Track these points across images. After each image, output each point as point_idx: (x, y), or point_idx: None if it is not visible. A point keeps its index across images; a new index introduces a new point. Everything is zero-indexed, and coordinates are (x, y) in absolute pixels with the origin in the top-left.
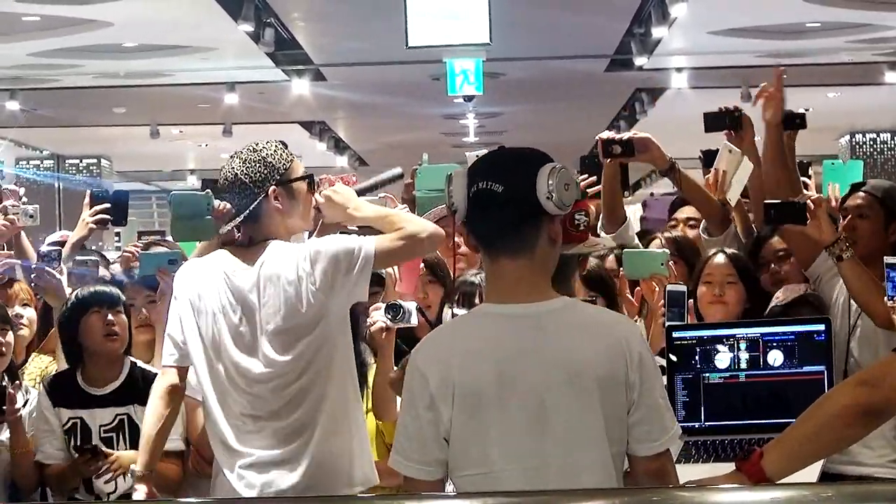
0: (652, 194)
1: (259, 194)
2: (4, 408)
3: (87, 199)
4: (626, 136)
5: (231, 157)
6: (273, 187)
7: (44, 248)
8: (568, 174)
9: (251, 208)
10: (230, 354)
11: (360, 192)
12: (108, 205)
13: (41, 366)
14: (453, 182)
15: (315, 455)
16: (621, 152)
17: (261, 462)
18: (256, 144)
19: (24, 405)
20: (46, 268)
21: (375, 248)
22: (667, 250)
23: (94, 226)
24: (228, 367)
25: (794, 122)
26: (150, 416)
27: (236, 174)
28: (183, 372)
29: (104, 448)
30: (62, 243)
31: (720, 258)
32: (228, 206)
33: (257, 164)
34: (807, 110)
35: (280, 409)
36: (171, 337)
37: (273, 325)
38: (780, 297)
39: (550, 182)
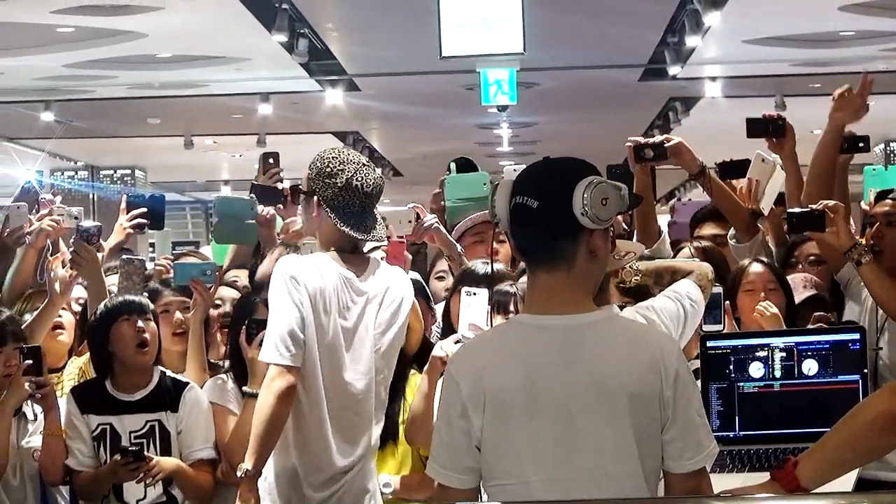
0: (679, 199)
1: None
2: (33, 380)
3: (123, 205)
4: (657, 139)
5: (366, 163)
6: None
7: (83, 225)
8: (606, 188)
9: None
10: (342, 361)
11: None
12: (144, 209)
13: (79, 364)
14: (498, 192)
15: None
16: (653, 156)
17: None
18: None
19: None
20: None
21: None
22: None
23: (132, 230)
24: (336, 374)
25: (857, 145)
26: (267, 416)
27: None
28: (297, 373)
29: (146, 452)
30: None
31: (758, 266)
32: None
33: None
34: None
35: (364, 423)
36: (291, 334)
37: (378, 341)
38: None
39: (586, 197)
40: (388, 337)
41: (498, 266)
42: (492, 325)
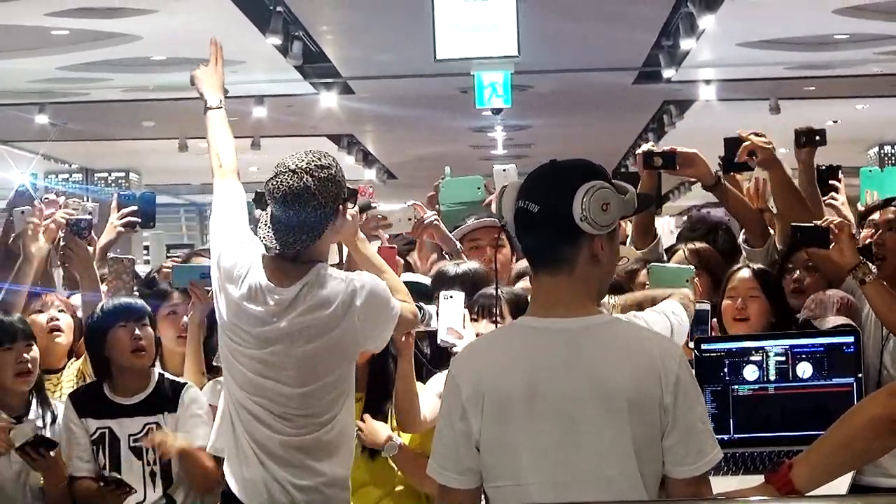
0: (696, 208)
1: (328, 213)
2: (43, 452)
3: (113, 204)
4: (668, 148)
5: (294, 168)
6: (339, 206)
7: (73, 218)
8: (607, 193)
9: (318, 225)
10: (255, 366)
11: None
12: (135, 207)
13: (77, 366)
14: (505, 195)
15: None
16: (662, 164)
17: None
18: (319, 159)
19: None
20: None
21: (401, 313)
22: (692, 267)
23: (123, 229)
24: (255, 380)
25: (814, 139)
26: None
27: (308, 187)
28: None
29: (145, 456)
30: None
31: (744, 272)
32: None
33: (329, 182)
34: (835, 122)
35: (297, 430)
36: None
37: (304, 349)
38: (811, 308)
39: (585, 202)
40: (312, 345)
41: (476, 266)
42: (475, 328)
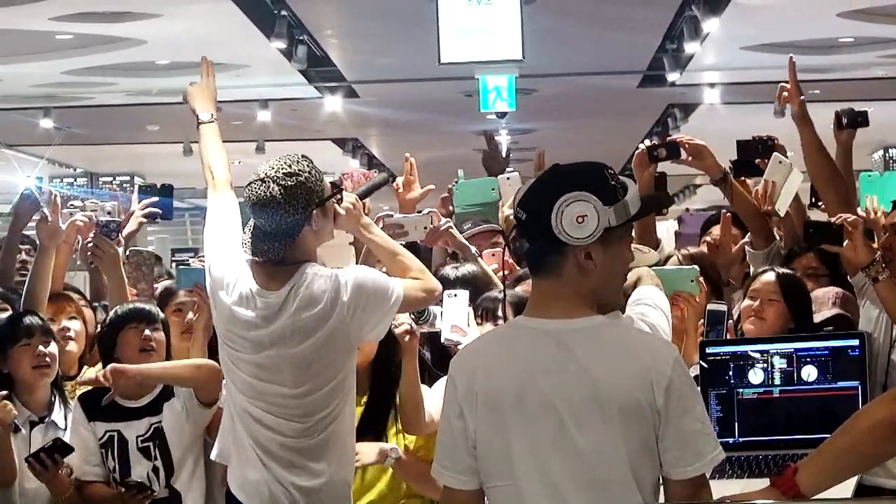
0: (687, 210)
1: (299, 219)
2: (57, 458)
3: (134, 195)
4: (675, 137)
5: (263, 177)
6: (313, 210)
7: (102, 219)
8: (582, 206)
9: (291, 231)
10: (249, 369)
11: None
12: (156, 199)
13: (92, 374)
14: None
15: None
16: (667, 155)
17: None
18: (289, 165)
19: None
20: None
21: (404, 294)
22: (696, 267)
23: (144, 219)
24: (248, 382)
25: (856, 120)
26: None
27: (274, 197)
28: None
29: (153, 457)
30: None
31: (769, 275)
32: None
33: (297, 189)
34: None
35: (298, 431)
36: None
37: (296, 350)
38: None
39: (561, 213)
40: (305, 345)
41: (475, 269)
42: (479, 331)
